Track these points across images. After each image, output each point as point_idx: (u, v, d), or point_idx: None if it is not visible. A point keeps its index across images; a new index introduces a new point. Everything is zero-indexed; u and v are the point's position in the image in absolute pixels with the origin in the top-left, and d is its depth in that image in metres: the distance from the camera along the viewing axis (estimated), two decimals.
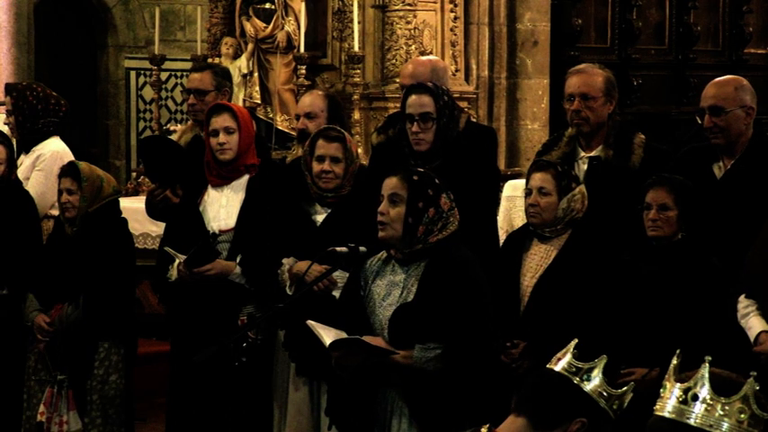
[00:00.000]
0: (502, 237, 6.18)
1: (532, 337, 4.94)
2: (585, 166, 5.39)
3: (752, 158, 5.23)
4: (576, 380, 2.73)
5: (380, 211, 4.31)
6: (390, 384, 4.32)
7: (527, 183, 5.18)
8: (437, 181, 4.37)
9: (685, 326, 4.75)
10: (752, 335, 4.85)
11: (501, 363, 4.85)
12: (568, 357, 2.77)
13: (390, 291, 4.35)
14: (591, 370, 2.74)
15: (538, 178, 5.09)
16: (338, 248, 4.61)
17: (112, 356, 5.70)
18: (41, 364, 5.73)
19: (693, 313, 4.80)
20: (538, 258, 5.09)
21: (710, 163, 5.30)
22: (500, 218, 7.43)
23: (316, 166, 5.29)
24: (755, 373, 2.32)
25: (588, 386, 2.73)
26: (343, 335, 4.30)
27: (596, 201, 5.13)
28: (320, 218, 5.34)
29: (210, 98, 6.14)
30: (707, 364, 2.31)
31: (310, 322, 4.41)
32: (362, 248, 4.56)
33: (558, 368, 2.76)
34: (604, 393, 2.73)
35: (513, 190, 8.21)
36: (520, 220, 7.74)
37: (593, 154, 5.40)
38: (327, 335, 4.30)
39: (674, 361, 2.39)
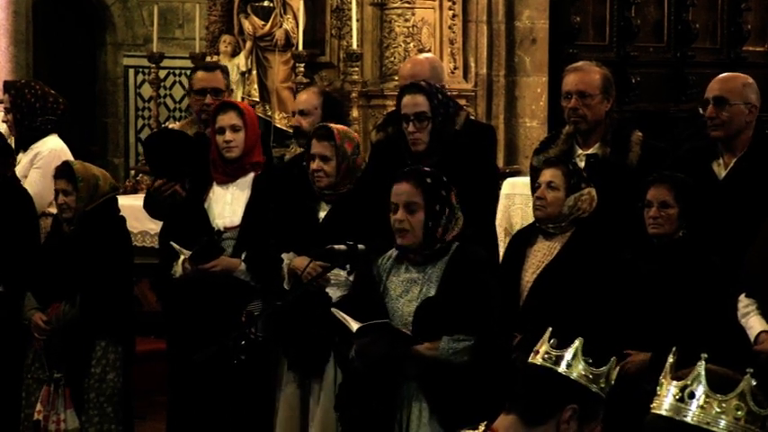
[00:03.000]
0: (500, 234, 6.19)
1: (529, 330, 4.96)
2: (583, 164, 5.39)
3: (754, 157, 5.24)
4: (560, 369, 2.73)
5: (398, 219, 4.32)
6: (406, 378, 4.33)
7: (537, 178, 5.21)
8: (444, 179, 4.40)
9: (685, 324, 4.76)
10: (752, 334, 4.86)
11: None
12: (545, 348, 2.77)
13: (408, 288, 4.38)
14: (571, 356, 2.74)
15: (548, 173, 5.13)
16: (336, 246, 4.62)
17: (110, 355, 5.69)
18: (39, 363, 5.73)
19: (693, 311, 4.81)
20: (541, 255, 5.12)
21: (710, 161, 5.31)
22: (499, 216, 7.43)
23: (311, 165, 5.32)
24: (752, 370, 2.32)
25: (572, 372, 2.73)
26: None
27: None
28: (323, 214, 5.36)
29: (224, 98, 6.16)
30: (703, 362, 2.31)
31: (335, 310, 4.45)
32: (361, 246, 4.58)
33: (539, 361, 2.76)
34: (590, 375, 2.73)
35: (511, 188, 8.21)
36: (519, 218, 7.75)
37: (590, 152, 5.41)
38: (354, 321, 4.32)
39: (671, 359, 2.39)
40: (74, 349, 5.62)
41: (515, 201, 8.05)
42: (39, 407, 5.61)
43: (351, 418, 4.53)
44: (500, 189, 7.87)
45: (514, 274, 5.10)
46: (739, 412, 2.27)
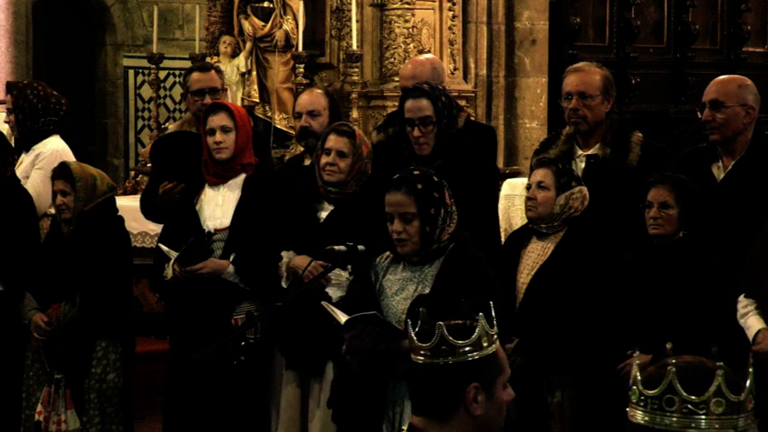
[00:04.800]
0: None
1: (525, 333, 4.97)
2: (583, 165, 5.40)
3: (753, 160, 5.24)
4: (440, 360, 2.69)
5: (396, 231, 4.33)
6: (397, 377, 4.33)
7: (529, 178, 5.23)
8: (436, 178, 4.39)
9: (685, 324, 4.76)
10: (750, 334, 4.86)
11: None
12: (416, 343, 2.73)
13: (404, 285, 4.39)
14: (441, 342, 2.69)
15: (538, 173, 5.16)
16: (336, 247, 4.62)
17: (110, 355, 5.69)
18: (39, 363, 5.74)
19: (693, 311, 4.81)
20: (535, 255, 5.12)
21: (709, 164, 5.31)
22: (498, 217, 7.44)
23: (323, 159, 5.31)
24: (716, 349, 2.31)
25: (453, 358, 2.68)
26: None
27: (594, 199, 5.15)
28: (325, 214, 5.36)
29: (221, 97, 6.15)
30: (673, 368, 2.28)
31: (325, 303, 4.47)
32: (361, 247, 4.58)
33: (420, 360, 2.72)
34: (466, 348, 2.68)
35: (511, 189, 8.22)
36: (518, 218, 7.75)
37: (590, 152, 5.42)
38: (343, 315, 4.33)
39: (638, 376, 2.36)
40: (74, 349, 5.62)
41: (515, 202, 8.06)
42: (39, 407, 5.61)
43: (343, 414, 4.54)
44: (500, 190, 7.88)
45: (510, 276, 5.10)
46: (720, 408, 2.26)
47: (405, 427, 2.75)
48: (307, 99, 5.99)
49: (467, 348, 2.68)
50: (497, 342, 2.74)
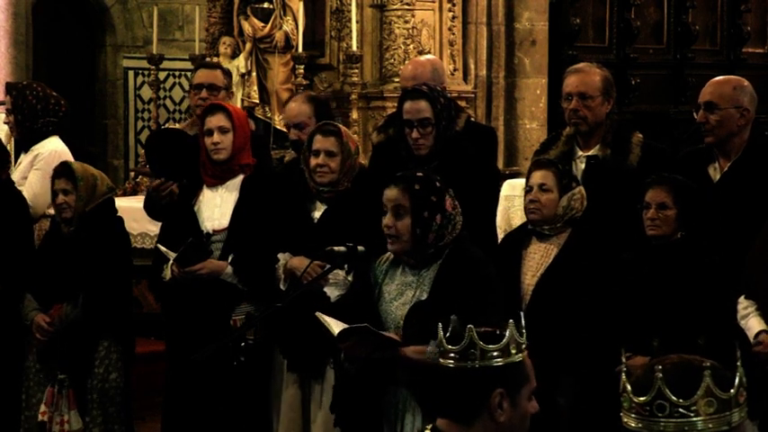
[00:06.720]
0: (500, 236, 6.18)
1: (534, 336, 4.95)
2: (583, 165, 5.40)
3: (749, 161, 5.23)
4: (468, 364, 2.70)
5: (386, 225, 4.31)
6: (398, 382, 4.33)
7: (527, 180, 5.21)
8: (438, 184, 4.36)
9: (683, 324, 4.76)
10: (751, 335, 4.86)
11: None
12: (446, 347, 2.73)
13: (403, 291, 4.37)
14: (470, 346, 2.70)
15: (539, 175, 5.13)
16: (336, 248, 4.61)
17: (112, 355, 5.70)
18: (41, 364, 5.73)
19: (692, 311, 4.80)
20: (538, 257, 5.10)
21: (706, 165, 5.31)
22: (498, 217, 7.43)
23: (312, 161, 5.30)
24: (702, 341, 2.31)
25: (481, 362, 2.69)
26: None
27: (594, 200, 5.14)
28: (318, 214, 5.35)
29: (222, 96, 6.15)
30: (660, 373, 2.27)
31: (319, 314, 4.44)
32: (360, 248, 4.57)
33: (450, 363, 2.72)
34: (494, 353, 2.70)
35: (511, 189, 8.21)
36: (518, 219, 7.75)
37: (590, 153, 5.42)
38: (336, 325, 4.32)
39: (628, 387, 2.35)
40: (77, 350, 5.62)
41: (515, 202, 8.06)
42: (43, 408, 5.61)
43: (345, 418, 4.53)
44: (500, 191, 7.88)
45: (513, 279, 5.08)
46: (711, 408, 2.26)
47: (428, 428, 2.76)
48: (291, 111, 6.00)
49: (494, 353, 2.70)
50: (526, 352, 2.76)
